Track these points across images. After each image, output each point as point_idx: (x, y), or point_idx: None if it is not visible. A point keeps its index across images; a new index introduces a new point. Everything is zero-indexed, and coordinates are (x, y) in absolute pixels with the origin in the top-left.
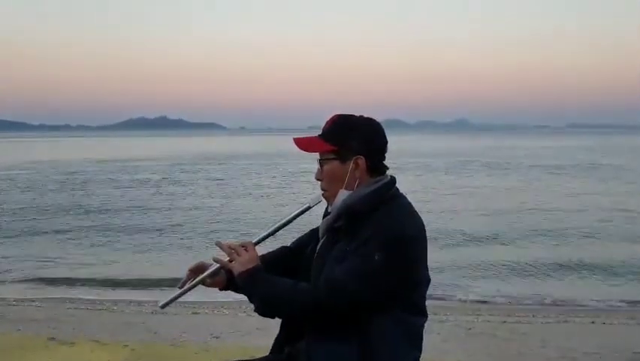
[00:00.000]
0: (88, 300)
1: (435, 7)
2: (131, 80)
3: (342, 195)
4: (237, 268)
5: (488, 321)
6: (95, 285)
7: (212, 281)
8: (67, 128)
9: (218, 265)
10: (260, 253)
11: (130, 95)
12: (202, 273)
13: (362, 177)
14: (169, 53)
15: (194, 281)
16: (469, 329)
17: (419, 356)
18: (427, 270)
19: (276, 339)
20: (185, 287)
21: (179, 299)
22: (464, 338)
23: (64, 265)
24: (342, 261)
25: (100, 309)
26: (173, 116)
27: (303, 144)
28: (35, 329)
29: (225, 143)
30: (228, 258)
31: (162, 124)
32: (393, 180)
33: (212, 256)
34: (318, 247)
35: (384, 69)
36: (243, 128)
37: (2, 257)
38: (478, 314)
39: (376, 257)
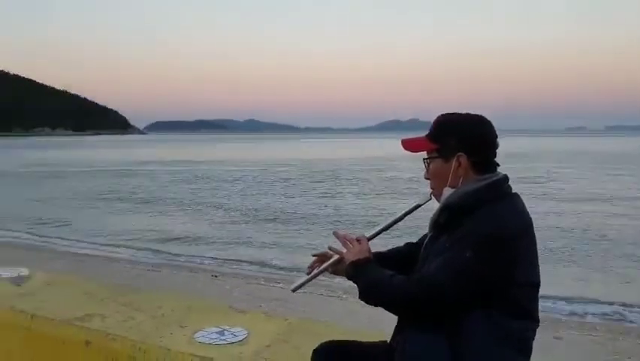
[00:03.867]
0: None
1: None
2: (386, 83)
3: (447, 192)
4: (349, 257)
5: None
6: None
7: (335, 269)
8: (329, 130)
9: (338, 255)
10: (387, 248)
11: (386, 98)
12: (326, 261)
13: (466, 174)
14: (420, 55)
15: (319, 268)
16: None
17: None
18: (534, 273)
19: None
20: (313, 273)
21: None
22: None
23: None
24: (439, 256)
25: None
26: (425, 118)
27: (409, 144)
28: (222, 297)
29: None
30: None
31: (415, 127)
32: (502, 178)
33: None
34: (424, 243)
35: None
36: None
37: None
38: None
39: (467, 254)
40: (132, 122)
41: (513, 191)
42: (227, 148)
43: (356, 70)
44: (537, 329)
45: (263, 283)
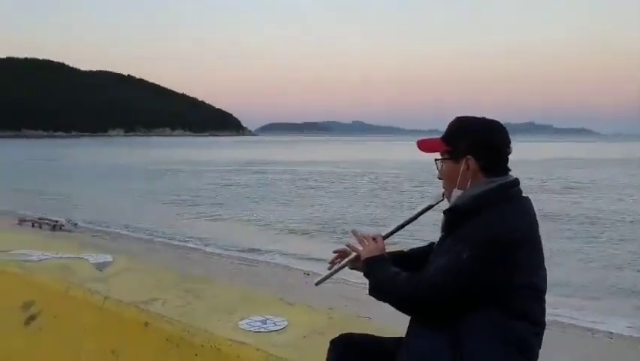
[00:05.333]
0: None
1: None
2: (494, 83)
3: (455, 194)
4: (364, 254)
5: None
6: None
7: (354, 266)
8: (437, 132)
9: (355, 252)
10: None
11: (499, 99)
12: (346, 257)
13: (474, 177)
14: (531, 53)
15: (340, 264)
16: None
17: None
18: (536, 276)
19: None
20: (334, 268)
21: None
22: None
23: None
24: (442, 257)
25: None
26: (540, 121)
27: (423, 145)
28: (273, 289)
29: (593, 149)
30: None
31: (529, 129)
32: (512, 182)
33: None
34: (436, 243)
35: None
36: (618, 134)
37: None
38: None
39: (465, 255)
40: (245, 125)
41: (523, 195)
42: (332, 149)
43: (474, 71)
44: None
45: (351, 283)
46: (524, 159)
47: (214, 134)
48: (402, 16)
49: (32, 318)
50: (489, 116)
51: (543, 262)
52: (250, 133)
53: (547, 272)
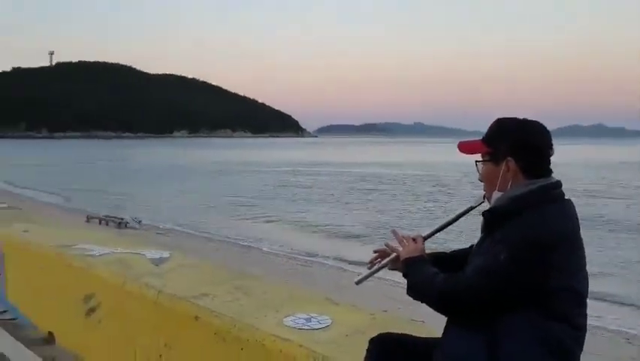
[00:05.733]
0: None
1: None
2: (566, 83)
3: (495, 195)
4: (403, 254)
5: None
6: None
7: (393, 266)
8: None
9: (395, 252)
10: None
11: (568, 101)
12: (386, 257)
13: (514, 178)
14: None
15: (380, 264)
16: None
17: None
18: (575, 280)
19: None
20: (374, 268)
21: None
22: None
23: None
24: (480, 258)
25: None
26: (611, 123)
27: (464, 146)
28: (322, 289)
29: None
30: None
31: (598, 132)
32: (553, 184)
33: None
34: (475, 244)
35: None
36: None
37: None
38: None
39: (502, 257)
40: (304, 126)
41: (566, 197)
42: (391, 151)
43: (531, 70)
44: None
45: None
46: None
47: (273, 136)
48: (462, 14)
49: (92, 310)
50: (560, 119)
51: (584, 265)
52: (309, 135)
53: (600, 277)
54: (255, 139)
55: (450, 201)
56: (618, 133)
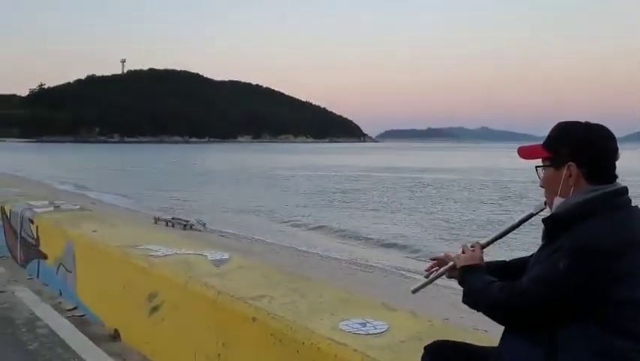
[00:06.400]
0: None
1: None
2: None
3: (557, 202)
4: (460, 262)
5: None
6: None
7: (451, 274)
8: None
9: (452, 261)
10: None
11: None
12: (443, 265)
13: (577, 184)
14: None
15: (437, 272)
16: None
17: None
18: None
19: None
20: (432, 276)
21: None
22: None
23: None
24: (539, 265)
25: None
26: None
27: (524, 151)
28: (381, 295)
29: None
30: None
31: None
32: (618, 190)
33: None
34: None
35: None
36: None
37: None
38: None
39: (561, 265)
40: (365, 131)
41: (633, 204)
42: (457, 157)
43: (604, 73)
44: None
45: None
46: None
47: (334, 141)
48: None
49: (156, 309)
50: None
51: None
52: (371, 140)
53: None
54: (316, 144)
55: (516, 207)
56: None
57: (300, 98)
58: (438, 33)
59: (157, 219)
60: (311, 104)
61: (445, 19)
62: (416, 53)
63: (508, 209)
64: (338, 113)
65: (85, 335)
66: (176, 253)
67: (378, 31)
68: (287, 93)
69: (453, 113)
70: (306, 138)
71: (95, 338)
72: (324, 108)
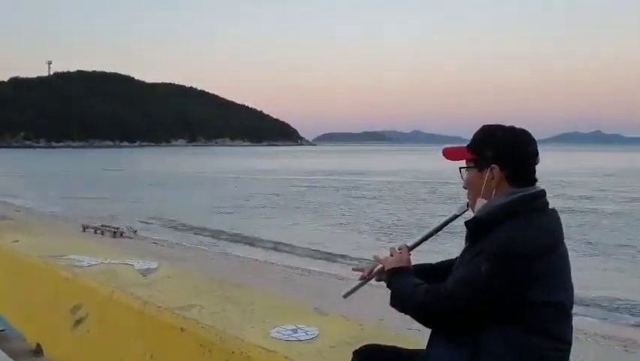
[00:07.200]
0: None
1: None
2: (565, 93)
3: (479, 204)
4: (387, 265)
5: None
6: None
7: (380, 277)
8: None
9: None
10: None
11: (563, 108)
12: (374, 268)
13: (499, 186)
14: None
15: (368, 275)
16: None
17: None
18: (556, 293)
19: None
20: (361, 281)
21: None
22: None
23: None
24: (461, 268)
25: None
26: (608, 130)
27: (449, 153)
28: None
29: None
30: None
31: (596, 139)
32: (537, 193)
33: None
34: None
35: None
36: None
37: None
38: None
39: (482, 268)
40: (302, 134)
41: (550, 207)
42: (391, 159)
43: (537, 76)
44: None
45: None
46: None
47: (272, 144)
48: (463, 21)
49: (80, 321)
50: (559, 125)
51: (569, 277)
52: (308, 143)
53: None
54: (253, 147)
55: (442, 210)
56: (613, 140)
57: (235, 101)
58: (374, 37)
59: (85, 227)
60: (247, 107)
61: (388, 23)
62: (349, 57)
63: (439, 209)
64: (275, 116)
65: (4, 351)
66: (102, 263)
67: (307, 34)
68: (222, 96)
69: (387, 117)
70: (243, 141)
71: (16, 355)
72: (260, 111)
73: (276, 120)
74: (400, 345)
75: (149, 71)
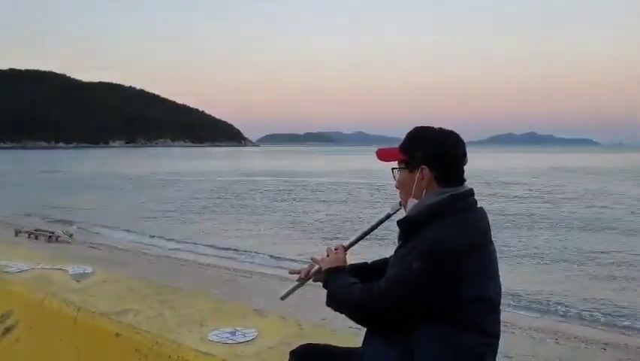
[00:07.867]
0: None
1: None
2: (498, 95)
3: (410, 203)
4: (324, 265)
5: None
6: None
7: (317, 278)
8: None
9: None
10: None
11: (496, 111)
12: (311, 270)
13: (429, 186)
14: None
15: (305, 276)
16: None
17: None
18: (485, 289)
19: None
20: (298, 282)
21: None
22: None
23: None
24: (394, 267)
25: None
26: (542, 132)
27: (382, 154)
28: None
29: (594, 159)
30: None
31: (530, 140)
32: (464, 192)
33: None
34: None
35: None
36: (620, 144)
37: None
38: None
39: (414, 266)
40: (246, 135)
41: (478, 205)
42: (335, 160)
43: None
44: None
45: None
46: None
47: (215, 145)
48: (405, 23)
49: (9, 330)
50: (491, 125)
51: (497, 273)
52: (251, 144)
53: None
54: (195, 148)
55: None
56: (547, 140)
57: (175, 101)
58: (314, 38)
59: (18, 232)
60: (188, 106)
61: (326, 26)
62: (292, 59)
63: (377, 209)
64: (217, 117)
65: None
66: (34, 268)
67: (255, 32)
68: (162, 95)
69: (330, 119)
70: (184, 142)
71: None
72: (202, 111)
73: (219, 120)
74: (337, 344)
75: (85, 70)
